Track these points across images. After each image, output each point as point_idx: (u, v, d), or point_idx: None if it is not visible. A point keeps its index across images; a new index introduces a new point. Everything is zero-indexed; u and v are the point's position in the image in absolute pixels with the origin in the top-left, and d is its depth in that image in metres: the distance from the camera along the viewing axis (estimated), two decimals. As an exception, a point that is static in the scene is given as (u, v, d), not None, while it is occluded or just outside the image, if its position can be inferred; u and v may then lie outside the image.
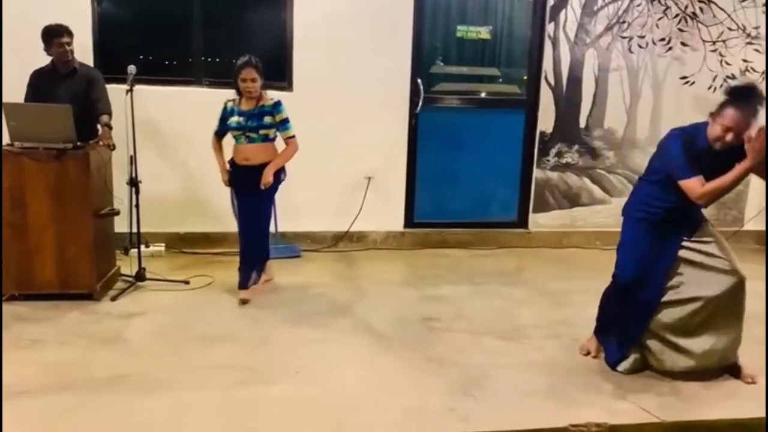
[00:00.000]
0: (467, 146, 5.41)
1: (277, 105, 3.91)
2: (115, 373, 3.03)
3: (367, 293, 4.27)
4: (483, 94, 5.50)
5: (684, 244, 3.09)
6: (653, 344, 3.17)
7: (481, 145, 5.46)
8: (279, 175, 4.02)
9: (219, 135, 4.06)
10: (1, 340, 3.30)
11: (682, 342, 3.10)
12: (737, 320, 3.13)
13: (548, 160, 5.51)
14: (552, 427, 2.74)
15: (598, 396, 2.99)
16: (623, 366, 3.22)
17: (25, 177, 3.75)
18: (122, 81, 4.08)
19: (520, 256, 5.25)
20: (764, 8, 5.45)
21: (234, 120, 3.89)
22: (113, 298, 3.96)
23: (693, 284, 3.07)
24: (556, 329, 3.71)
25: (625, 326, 3.21)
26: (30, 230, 3.79)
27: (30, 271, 3.84)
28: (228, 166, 4.04)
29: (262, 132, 3.89)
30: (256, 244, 4.10)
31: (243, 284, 4.09)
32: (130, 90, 3.99)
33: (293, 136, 3.98)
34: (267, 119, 3.88)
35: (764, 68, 5.54)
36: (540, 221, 5.58)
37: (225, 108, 4.00)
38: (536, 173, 5.52)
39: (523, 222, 5.62)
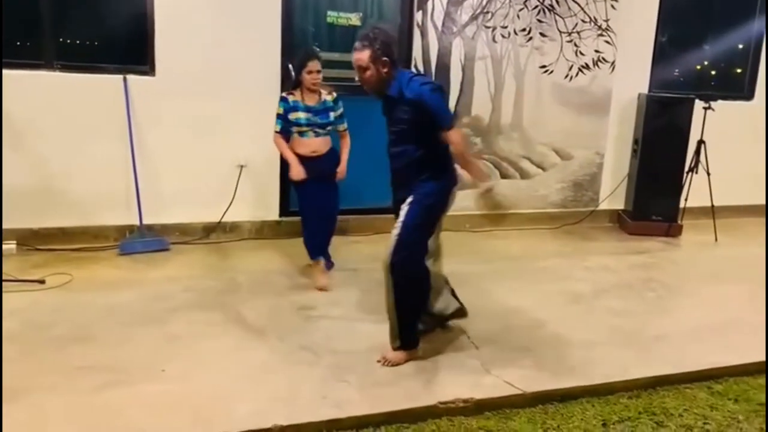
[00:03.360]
0: (340, 133, 5.42)
1: (338, 101, 4.17)
2: (-42, 384, 2.79)
3: (240, 285, 4.20)
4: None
5: None
6: None
7: (355, 133, 5.46)
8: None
9: (284, 133, 4.12)
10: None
11: None
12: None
13: (420, 147, 5.63)
14: (422, 405, 2.85)
15: (465, 373, 3.14)
16: None
17: None
18: (-43, 63, 3.73)
19: (395, 241, 5.35)
20: (614, 3, 5.88)
21: (302, 116, 4.05)
22: (-45, 303, 3.63)
23: None
24: (428, 311, 3.82)
25: None
26: None
27: None
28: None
29: (329, 128, 4.16)
30: (334, 224, 4.35)
31: (318, 253, 4.27)
32: (-33, 73, 3.65)
33: (347, 129, 4.30)
34: (332, 115, 4.15)
35: (613, 59, 5.99)
36: (413, 206, 5.71)
37: (286, 102, 4.07)
38: (409, 159, 5.63)
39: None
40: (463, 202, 5.81)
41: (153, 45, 4.77)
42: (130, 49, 4.89)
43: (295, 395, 2.85)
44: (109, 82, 4.69)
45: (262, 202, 5.27)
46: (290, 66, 5.14)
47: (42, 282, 3.98)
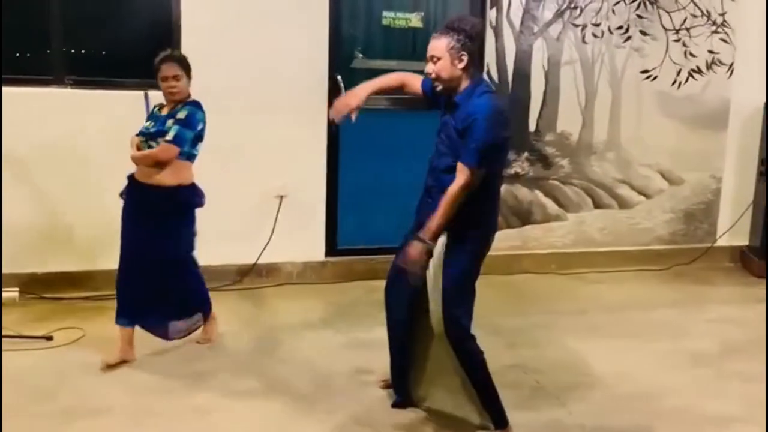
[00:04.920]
0: (399, 156, 5.32)
1: (185, 104, 3.77)
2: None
3: (280, 342, 4.15)
4: (416, 93, 5.46)
5: None
6: None
7: (415, 155, 5.31)
8: (188, 198, 3.85)
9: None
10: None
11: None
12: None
13: (494, 171, 5.52)
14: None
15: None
16: None
17: None
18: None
19: (465, 286, 5.22)
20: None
21: (144, 125, 3.82)
22: (-54, 364, 3.63)
23: None
24: (513, 376, 3.68)
25: None
26: None
27: None
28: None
29: (161, 140, 3.70)
30: (158, 281, 3.82)
31: (124, 314, 3.83)
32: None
33: (171, 141, 3.67)
34: (169, 123, 3.73)
35: (731, 60, 5.77)
36: (486, 243, 5.57)
37: (152, 113, 3.93)
38: (480, 186, 5.52)
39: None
40: (549, 238, 5.75)
41: (178, 55, 4.79)
42: (152, 61, 4.89)
43: (354, 487, 2.71)
44: (128, 99, 4.68)
45: (304, 240, 5.23)
46: (338, 78, 5.11)
47: (49, 339, 3.95)
